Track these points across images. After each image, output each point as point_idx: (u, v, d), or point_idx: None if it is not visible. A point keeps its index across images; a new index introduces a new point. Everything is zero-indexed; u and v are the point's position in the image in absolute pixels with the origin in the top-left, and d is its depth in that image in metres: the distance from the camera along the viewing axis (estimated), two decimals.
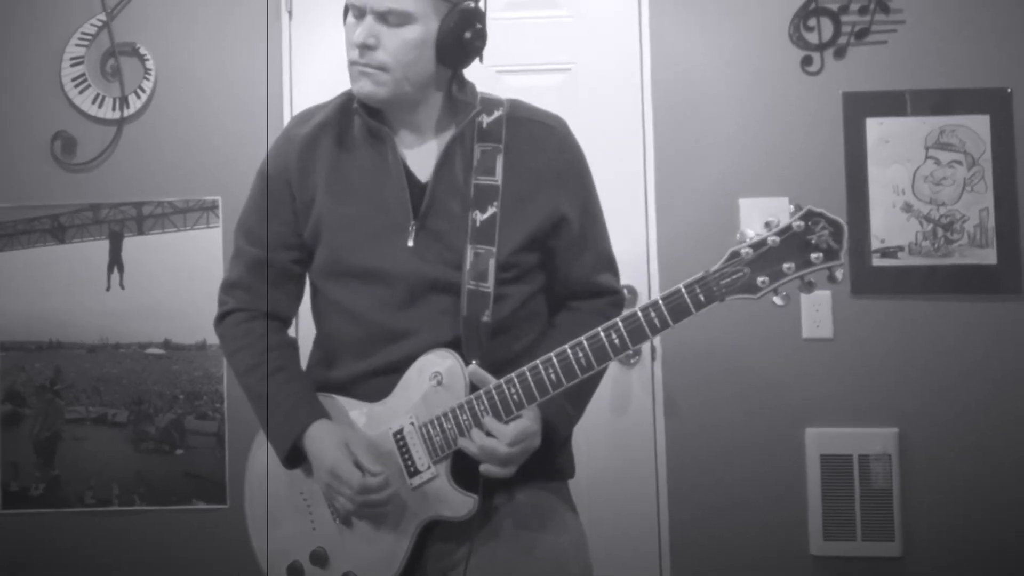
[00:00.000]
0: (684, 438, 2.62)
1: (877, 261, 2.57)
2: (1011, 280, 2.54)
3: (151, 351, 2.70)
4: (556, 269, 1.62)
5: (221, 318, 1.68)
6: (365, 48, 1.48)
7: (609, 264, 1.67)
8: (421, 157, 1.57)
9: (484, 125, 1.57)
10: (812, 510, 2.57)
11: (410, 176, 1.56)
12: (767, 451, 2.59)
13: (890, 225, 2.57)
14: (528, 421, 1.46)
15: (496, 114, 1.58)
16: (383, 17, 1.47)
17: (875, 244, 2.56)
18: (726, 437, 2.61)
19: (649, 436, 2.63)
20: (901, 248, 2.56)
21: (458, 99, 1.58)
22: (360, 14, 1.50)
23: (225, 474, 2.66)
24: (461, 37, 1.50)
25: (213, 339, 2.59)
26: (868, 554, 2.55)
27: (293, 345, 1.67)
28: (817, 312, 2.58)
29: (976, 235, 2.55)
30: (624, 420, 2.62)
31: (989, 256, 2.55)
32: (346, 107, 1.61)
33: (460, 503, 1.48)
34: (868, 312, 2.58)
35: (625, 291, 1.72)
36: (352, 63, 1.51)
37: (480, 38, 1.53)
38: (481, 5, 1.54)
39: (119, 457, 2.69)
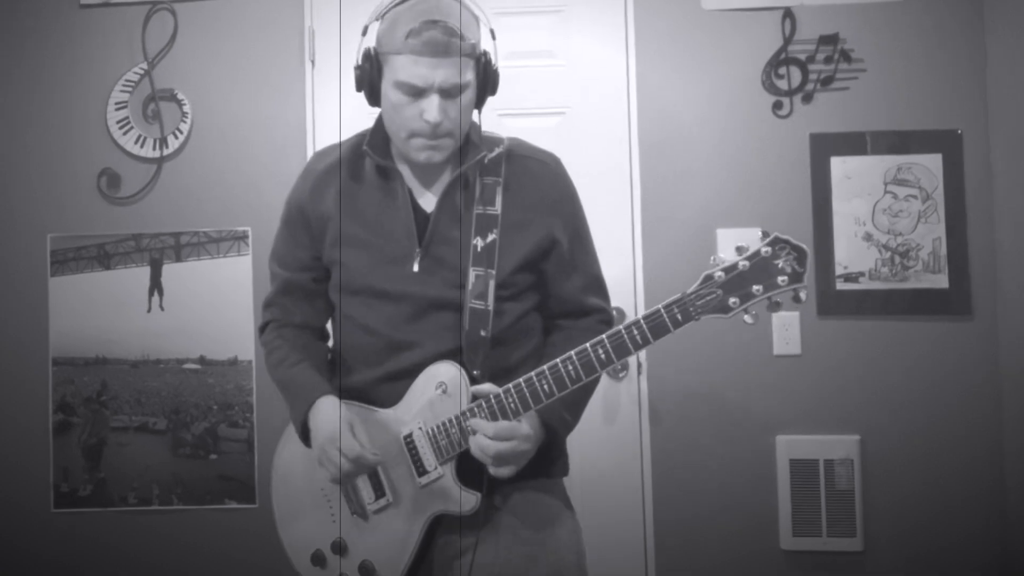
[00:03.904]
0: (667, 445, 2.69)
1: (840, 285, 2.65)
2: (961, 303, 2.63)
3: (188, 366, 2.77)
4: (549, 289, 1.66)
5: (262, 329, 1.77)
6: (437, 126, 1.51)
7: (598, 285, 1.71)
8: (429, 191, 1.62)
9: (486, 161, 1.62)
10: (782, 509, 2.65)
11: (416, 208, 1.61)
12: (742, 456, 2.68)
13: (852, 253, 2.65)
14: (517, 422, 1.50)
15: (496, 151, 1.63)
16: (448, 92, 1.50)
17: (839, 270, 2.65)
18: (705, 444, 2.68)
19: (635, 443, 2.69)
20: (862, 274, 2.64)
21: (470, 138, 1.62)
22: (418, 93, 1.50)
23: (254, 476, 2.75)
24: (489, 82, 1.57)
25: (244, 356, 2.75)
26: (832, 549, 2.63)
27: (321, 349, 1.73)
28: (786, 331, 2.66)
29: (930, 262, 2.64)
30: (613, 428, 2.69)
31: (941, 281, 2.63)
32: (358, 147, 1.64)
33: (464, 499, 1.53)
34: (833, 331, 2.66)
35: (614, 311, 1.81)
36: (415, 136, 1.53)
37: (498, 77, 1.59)
38: (488, 47, 1.58)
39: (159, 461, 2.77)
